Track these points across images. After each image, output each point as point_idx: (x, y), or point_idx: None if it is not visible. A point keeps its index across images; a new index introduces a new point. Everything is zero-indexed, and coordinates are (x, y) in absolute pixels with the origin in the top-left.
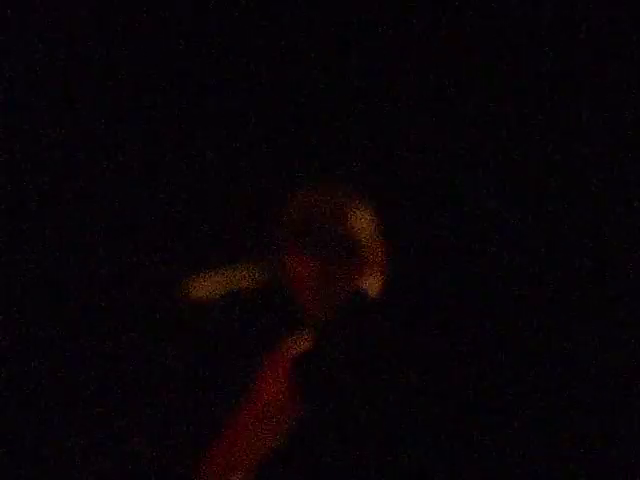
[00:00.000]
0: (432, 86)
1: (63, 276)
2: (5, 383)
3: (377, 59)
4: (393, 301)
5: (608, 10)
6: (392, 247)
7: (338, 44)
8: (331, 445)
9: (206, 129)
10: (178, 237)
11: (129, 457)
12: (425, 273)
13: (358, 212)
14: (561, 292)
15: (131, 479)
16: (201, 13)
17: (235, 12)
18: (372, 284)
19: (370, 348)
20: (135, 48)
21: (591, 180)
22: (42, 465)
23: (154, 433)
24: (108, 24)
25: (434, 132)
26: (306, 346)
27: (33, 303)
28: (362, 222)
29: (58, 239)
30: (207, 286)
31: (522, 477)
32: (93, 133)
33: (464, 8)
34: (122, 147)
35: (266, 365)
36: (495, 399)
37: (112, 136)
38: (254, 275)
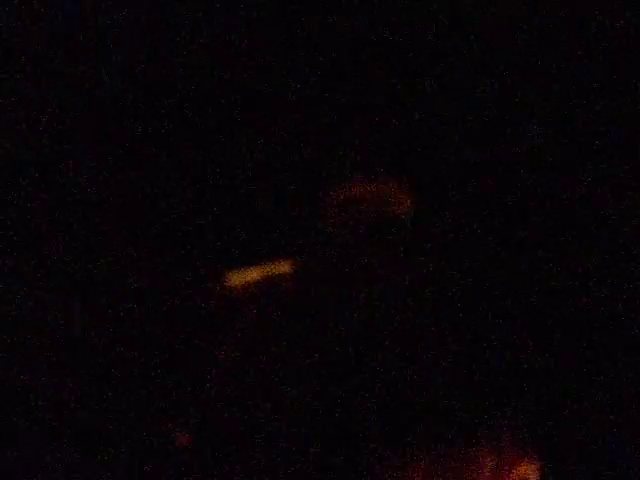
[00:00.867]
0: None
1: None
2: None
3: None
4: None
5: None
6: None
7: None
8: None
9: (238, 122)
10: (214, 233)
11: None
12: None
13: (399, 198)
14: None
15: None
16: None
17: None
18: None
19: None
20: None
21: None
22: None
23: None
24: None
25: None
26: None
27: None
28: (404, 208)
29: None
30: (244, 280)
31: None
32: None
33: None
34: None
35: None
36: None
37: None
38: (293, 269)
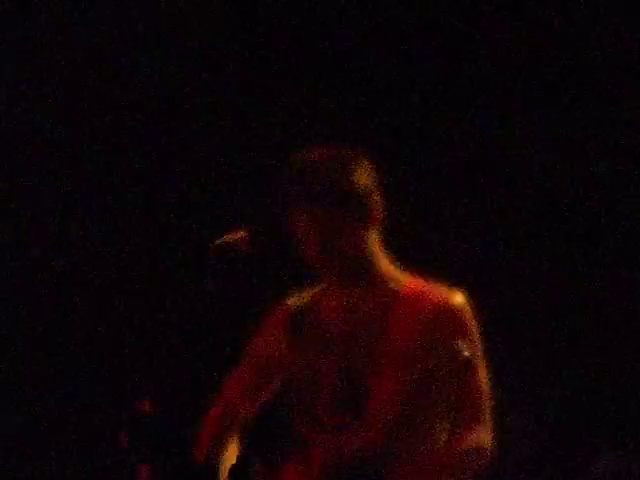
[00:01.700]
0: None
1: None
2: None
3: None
4: None
5: None
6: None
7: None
8: None
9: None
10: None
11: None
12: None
13: (360, 166)
14: None
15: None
16: None
17: None
18: (373, 237)
19: None
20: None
21: None
22: None
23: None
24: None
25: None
26: (305, 302)
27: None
28: (364, 176)
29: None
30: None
31: None
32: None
33: None
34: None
35: (265, 319)
36: None
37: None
38: (251, 240)
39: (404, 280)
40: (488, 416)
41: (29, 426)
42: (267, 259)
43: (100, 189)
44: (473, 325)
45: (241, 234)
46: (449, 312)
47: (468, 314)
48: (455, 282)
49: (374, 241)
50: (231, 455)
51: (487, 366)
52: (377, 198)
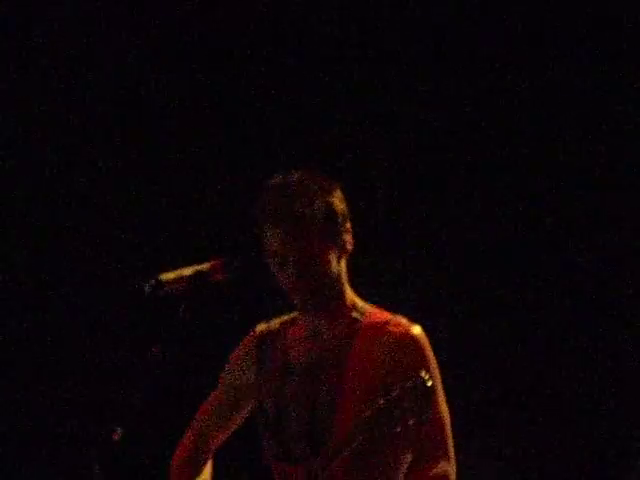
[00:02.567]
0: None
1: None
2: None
3: None
4: None
5: None
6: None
7: None
8: None
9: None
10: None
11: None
12: None
13: (338, 193)
14: None
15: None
16: None
17: None
18: (343, 266)
19: None
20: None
21: None
22: None
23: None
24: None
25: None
26: (273, 330)
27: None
28: (341, 203)
29: None
30: (177, 280)
31: None
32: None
33: None
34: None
35: (237, 347)
36: None
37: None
38: (224, 268)
39: (366, 310)
40: (450, 447)
41: None
42: (244, 285)
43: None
44: (432, 357)
45: (186, 271)
46: (411, 342)
47: (427, 346)
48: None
49: (344, 270)
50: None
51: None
52: (349, 227)
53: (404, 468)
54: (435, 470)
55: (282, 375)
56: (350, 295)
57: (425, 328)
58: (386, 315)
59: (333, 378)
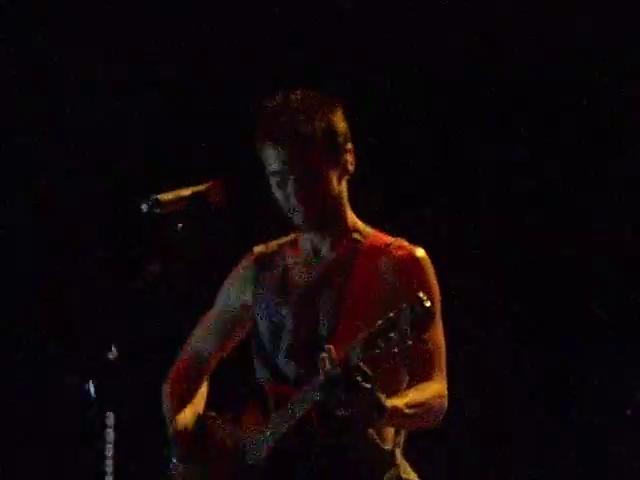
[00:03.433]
0: None
1: None
2: None
3: None
4: None
5: None
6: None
7: None
8: None
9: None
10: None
11: None
12: None
13: (339, 112)
14: None
15: None
16: None
17: None
18: (344, 187)
19: None
20: None
21: None
22: None
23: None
24: None
25: None
26: (271, 250)
27: None
28: (342, 122)
29: None
30: (175, 200)
31: None
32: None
33: None
34: None
35: (235, 270)
36: None
37: None
38: (222, 190)
39: (368, 233)
40: (444, 370)
41: None
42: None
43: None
44: (433, 279)
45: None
46: (412, 263)
47: (429, 268)
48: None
49: (345, 191)
50: (199, 400)
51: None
52: (351, 147)
53: (402, 387)
54: (433, 385)
55: (280, 296)
56: (351, 216)
57: None
58: (388, 238)
59: (332, 299)
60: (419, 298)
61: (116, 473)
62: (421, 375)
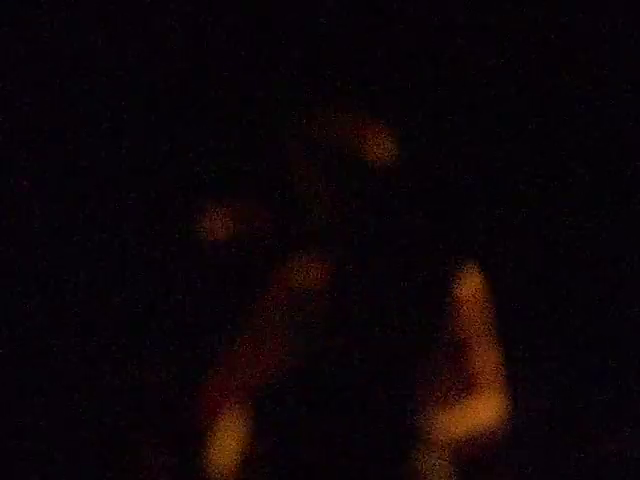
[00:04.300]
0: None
1: None
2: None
3: None
4: None
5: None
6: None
7: None
8: None
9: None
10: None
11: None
12: None
13: (376, 133)
14: None
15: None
16: None
17: None
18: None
19: None
20: None
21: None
22: None
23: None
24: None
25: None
26: (309, 270)
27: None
28: (379, 143)
29: None
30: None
31: None
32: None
33: None
34: None
35: (268, 289)
36: None
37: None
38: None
39: None
40: None
41: None
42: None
43: None
44: None
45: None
46: None
47: None
48: None
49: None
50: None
51: None
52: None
53: None
54: None
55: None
56: None
57: None
58: None
59: None
60: None
61: None
62: None
